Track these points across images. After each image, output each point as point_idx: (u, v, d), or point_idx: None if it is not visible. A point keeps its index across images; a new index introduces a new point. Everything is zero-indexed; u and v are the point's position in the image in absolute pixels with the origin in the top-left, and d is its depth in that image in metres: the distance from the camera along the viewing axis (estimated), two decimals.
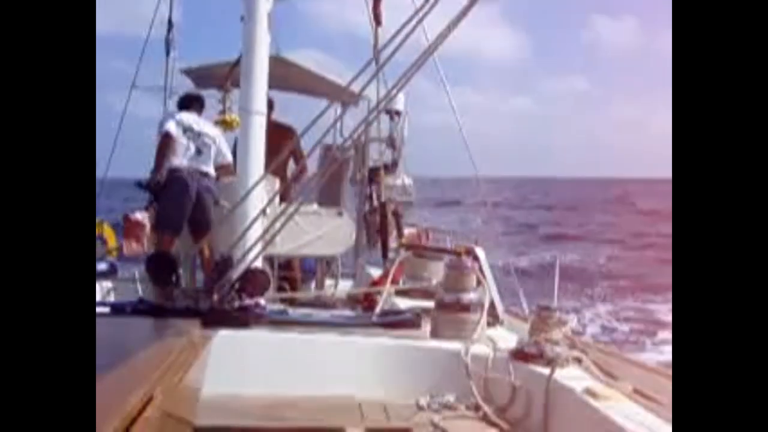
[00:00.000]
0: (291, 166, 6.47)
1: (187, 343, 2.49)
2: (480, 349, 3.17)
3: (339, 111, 6.13)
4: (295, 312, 3.77)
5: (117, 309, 3.50)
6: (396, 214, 6.76)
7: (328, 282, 6.87)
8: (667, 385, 3.04)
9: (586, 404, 2.45)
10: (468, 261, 3.62)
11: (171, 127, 5.58)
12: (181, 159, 5.57)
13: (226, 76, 5.71)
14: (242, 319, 3.27)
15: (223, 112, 5.98)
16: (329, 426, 2.77)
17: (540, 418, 2.72)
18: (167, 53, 7.58)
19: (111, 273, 6.24)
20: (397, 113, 7.12)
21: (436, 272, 4.77)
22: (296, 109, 7.54)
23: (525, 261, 19.21)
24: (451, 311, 3.46)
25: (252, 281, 3.57)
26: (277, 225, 4.02)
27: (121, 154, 8.61)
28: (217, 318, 3.23)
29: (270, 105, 6.25)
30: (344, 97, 5.73)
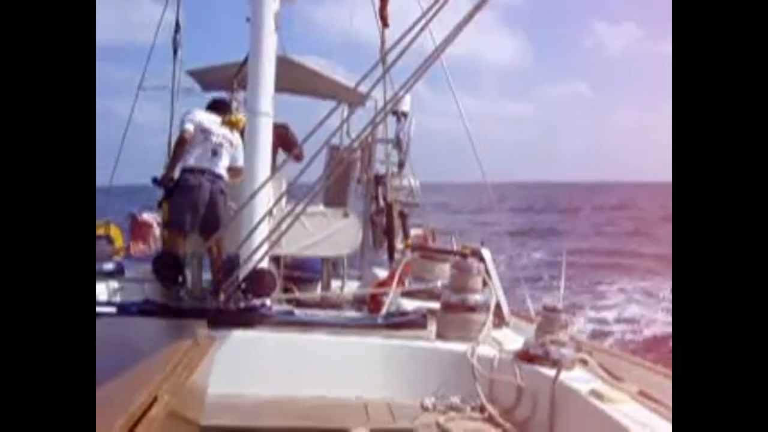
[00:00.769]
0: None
1: (193, 343, 2.49)
2: (486, 350, 3.17)
3: (345, 112, 6.13)
4: (301, 313, 3.76)
5: (123, 309, 3.51)
6: (402, 216, 6.75)
7: (335, 283, 6.87)
8: (664, 383, 3.04)
9: (591, 406, 2.45)
10: (474, 262, 3.61)
11: (188, 126, 5.60)
12: (195, 159, 5.58)
13: (233, 77, 5.71)
14: (248, 319, 3.28)
15: (229, 113, 5.97)
16: (335, 427, 2.77)
17: (545, 420, 2.72)
18: (174, 54, 7.59)
19: (118, 273, 6.24)
20: (404, 114, 7.12)
21: (442, 273, 4.76)
22: (301, 111, 7.55)
23: (530, 262, 19.16)
24: (456, 312, 3.46)
25: (258, 282, 3.58)
26: (284, 226, 4.02)
27: (129, 159, 8.63)
28: (224, 318, 3.24)
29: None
30: (351, 98, 5.73)
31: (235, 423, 2.72)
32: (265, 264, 4.04)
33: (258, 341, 3.21)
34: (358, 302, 5.69)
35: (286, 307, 4.14)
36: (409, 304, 4.41)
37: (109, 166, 8.13)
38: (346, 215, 6.22)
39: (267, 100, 4.55)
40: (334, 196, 6.79)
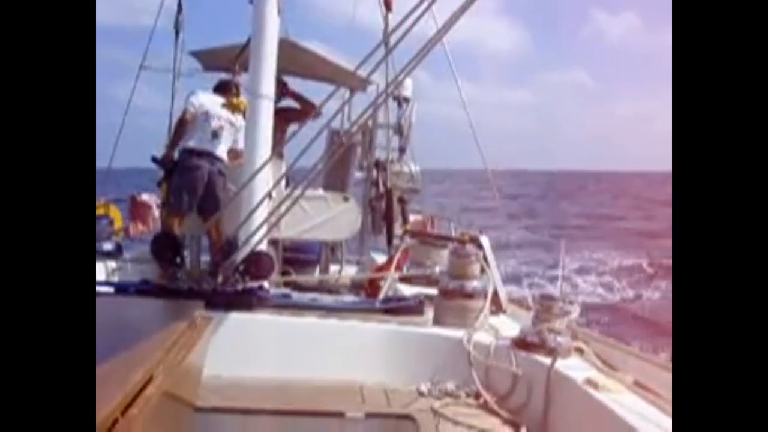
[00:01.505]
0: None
1: (190, 324, 2.49)
2: (482, 336, 3.17)
3: (347, 96, 6.11)
4: (298, 296, 3.77)
5: (121, 289, 3.51)
6: (401, 201, 6.74)
7: (333, 267, 6.88)
8: (668, 377, 3.05)
9: (586, 394, 2.45)
10: (472, 249, 3.61)
11: (190, 107, 5.60)
12: (196, 141, 5.58)
13: (235, 59, 5.68)
14: (245, 301, 3.27)
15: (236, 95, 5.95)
16: (330, 409, 2.78)
17: (540, 407, 2.72)
18: (176, 35, 7.56)
19: (116, 253, 6.26)
20: (406, 100, 7.10)
21: (441, 259, 4.77)
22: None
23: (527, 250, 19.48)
24: (454, 298, 3.46)
25: (256, 264, 3.58)
26: (283, 208, 4.02)
27: (130, 142, 8.61)
28: (221, 300, 3.24)
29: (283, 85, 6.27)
30: (352, 82, 5.70)
31: (230, 404, 2.73)
32: (263, 246, 4.04)
33: (254, 323, 3.22)
34: (355, 287, 5.71)
35: (283, 290, 4.15)
36: (407, 290, 4.42)
37: (108, 148, 8.13)
38: (345, 199, 6.22)
39: (268, 82, 4.53)
40: (335, 180, 6.78)
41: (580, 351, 2.89)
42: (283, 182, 4.95)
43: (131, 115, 8.27)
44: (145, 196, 7.34)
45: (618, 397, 2.36)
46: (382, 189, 6.87)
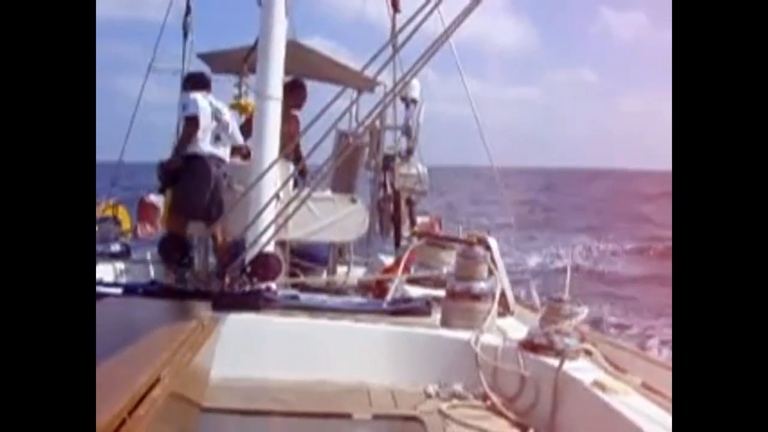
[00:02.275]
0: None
1: (197, 325, 2.50)
2: (490, 338, 3.16)
3: (354, 97, 6.11)
4: (306, 297, 3.77)
5: (129, 290, 3.52)
6: (409, 203, 6.74)
7: (340, 269, 6.88)
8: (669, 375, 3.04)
9: (594, 396, 2.44)
10: (480, 250, 3.60)
11: (198, 112, 5.62)
12: (201, 145, 5.60)
13: (243, 61, 5.70)
14: (253, 302, 3.27)
15: (239, 96, 5.98)
16: (337, 411, 2.77)
17: (548, 409, 2.71)
18: (185, 36, 7.59)
19: (124, 254, 6.28)
20: (413, 101, 7.09)
21: (448, 261, 4.76)
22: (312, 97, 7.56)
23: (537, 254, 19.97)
24: (461, 300, 3.45)
25: (263, 265, 3.58)
26: (290, 209, 4.02)
27: (140, 137, 8.68)
28: (228, 301, 3.24)
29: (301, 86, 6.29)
30: (360, 83, 5.70)
31: (237, 405, 2.73)
32: (271, 248, 4.04)
33: (261, 324, 3.22)
34: (363, 288, 5.70)
35: (291, 291, 4.15)
36: (415, 291, 4.41)
37: (116, 142, 8.18)
38: (353, 201, 6.22)
39: (276, 84, 4.54)
40: (342, 182, 6.78)
41: (588, 353, 2.88)
42: (291, 183, 4.96)
43: (141, 111, 8.33)
44: (153, 198, 7.36)
45: (626, 399, 2.35)
46: (390, 190, 6.87)
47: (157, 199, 7.29)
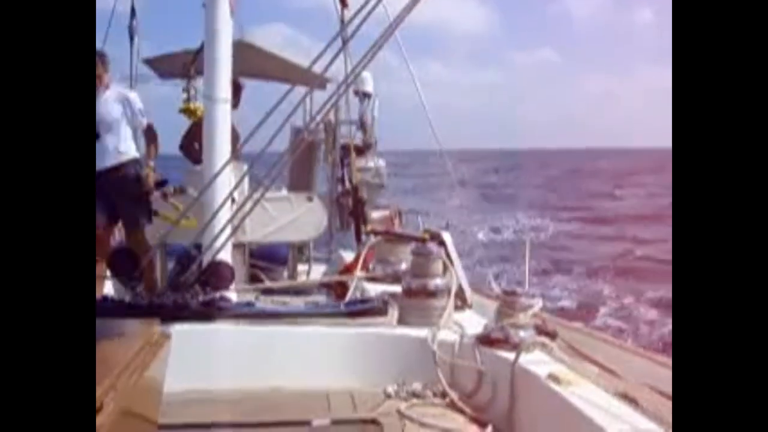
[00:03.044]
0: None
1: (145, 342, 2.44)
2: (447, 335, 3.16)
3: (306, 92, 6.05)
4: (262, 303, 3.73)
5: None
6: (360, 202, 6.64)
7: (301, 267, 6.85)
8: (633, 360, 3.07)
9: (549, 389, 2.46)
10: (434, 247, 3.59)
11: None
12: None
13: (190, 64, 5.61)
14: (205, 313, 3.22)
15: (187, 100, 5.87)
16: (295, 419, 2.75)
17: (506, 404, 2.73)
18: (131, 40, 7.43)
19: None
20: (367, 95, 7.08)
21: (405, 255, 4.74)
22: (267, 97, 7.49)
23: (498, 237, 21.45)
24: (417, 298, 3.44)
25: (216, 274, 3.53)
26: (246, 209, 3.98)
27: None
28: (181, 313, 3.18)
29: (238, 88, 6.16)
30: (310, 80, 5.65)
31: (194, 419, 2.69)
32: (228, 251, 3.99)
33: (215, 335, 3.17)
34: (324, 286, 5.68)
35: (247, 298, 4.11)
36: (374, 289, 4.39)
37: None
38: (309, 199, 6.19)
39: (224, 86, 4.49)
40: (299, 179, 6.75)
41: (544, 345, 2.89)
42: (246, 185, 4.91)
43: None
44: None
45: (579, 391, 2.37)
46: (348, 185, 6.85)
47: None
